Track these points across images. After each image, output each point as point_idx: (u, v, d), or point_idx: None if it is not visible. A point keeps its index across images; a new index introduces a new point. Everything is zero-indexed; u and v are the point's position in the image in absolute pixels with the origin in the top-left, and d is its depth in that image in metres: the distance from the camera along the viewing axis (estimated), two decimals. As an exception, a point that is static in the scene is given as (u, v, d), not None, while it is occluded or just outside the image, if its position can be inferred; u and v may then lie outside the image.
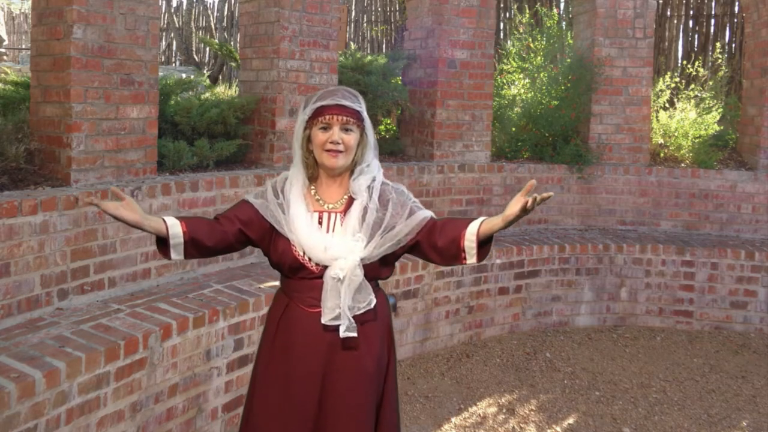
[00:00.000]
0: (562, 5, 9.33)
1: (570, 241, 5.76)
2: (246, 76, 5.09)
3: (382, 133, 6.33)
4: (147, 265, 3.92)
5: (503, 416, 4.17)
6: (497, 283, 5.39)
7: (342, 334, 2.32)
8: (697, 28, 8.92)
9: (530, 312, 5.60)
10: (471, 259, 2.36)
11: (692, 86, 6.93)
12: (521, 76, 6.82)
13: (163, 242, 2.35)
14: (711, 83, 6.98)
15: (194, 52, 10.41)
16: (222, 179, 4.32)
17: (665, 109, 6.76)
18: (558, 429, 4.03)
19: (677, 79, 7.04)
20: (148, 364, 3.25)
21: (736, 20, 8.61)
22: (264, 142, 4.92)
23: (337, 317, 2.33)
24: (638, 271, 5.75)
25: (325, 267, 2.35)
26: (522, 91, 6.71)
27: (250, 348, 3.83)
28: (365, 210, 2.39)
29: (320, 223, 2.40)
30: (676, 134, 6.49)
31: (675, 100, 7.00)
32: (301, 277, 2.40)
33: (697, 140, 6.42)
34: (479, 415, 4.17)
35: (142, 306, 3.56)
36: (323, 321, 2.34)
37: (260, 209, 2.41)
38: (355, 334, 2.33)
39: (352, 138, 2.38)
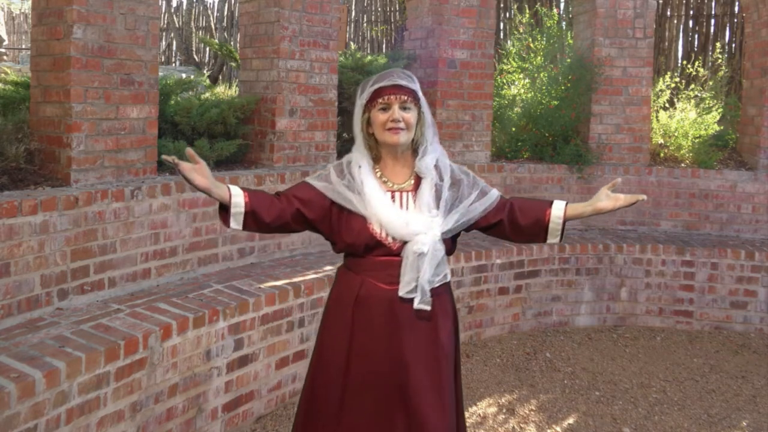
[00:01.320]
0: (562, 5, 9.34)
1: (570, 241, 5.76)
2: (246, 76, 5.09)
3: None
4: (147, 265, 3.92)
5: (503, 416, 4.17)
6: (497, 283, 5.39)
7: (416, 305, 2.41)
8: (697, 28, 8.93)
9: (530, 312, 5.60)
10: (554, 239, 2.56)
11: (692, 86, 6.93)
12: (521, 76, 6.82)
13: (224, 209, 2.44)
14: (711, 83, 6.98)
15: (194, 52, 10.41)
16: (222, 179, 4.32)
17: (665, 109, 6.76)
18: (558, 429, 4.03)
19: (677, 79, 7.04)
20: (148, 364, 3.25)
21: (736, 20, 8.61)
22: (264, 142, 4.92)
23: (413, 290, 2.40)
24: (638, 271, 5.75)
25: (404, 243, 2.41)
26: (522, 91, 6.71)
27: (250, 348, 3.83)
28: (436, 188, 2.48)
29: (393, 202, 2.46)
30: (676, 134, 6.49)
31: (675, 100, 7.00)
32: (376, 255, 2.44)
33: (697, 140, 6.42)
34: (479, 415, 4.17)
35: (142, 306, 3.56)
36: (400, 293, 2.40)
37: (325, 191, 2.47)
38: (428, 307, 2.42)
39: (411, 116, 2.45)
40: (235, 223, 2.45)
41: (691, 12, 8.94)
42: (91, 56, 3.76)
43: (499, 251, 5.35)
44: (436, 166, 2.52)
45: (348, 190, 2.45)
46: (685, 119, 6.50)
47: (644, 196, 2.49)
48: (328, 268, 4.47)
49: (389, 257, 2.43)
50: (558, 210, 2.54)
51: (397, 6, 10.21)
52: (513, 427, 4.03)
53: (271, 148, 4.86)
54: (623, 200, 2.48)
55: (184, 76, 6.06)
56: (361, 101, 2.49)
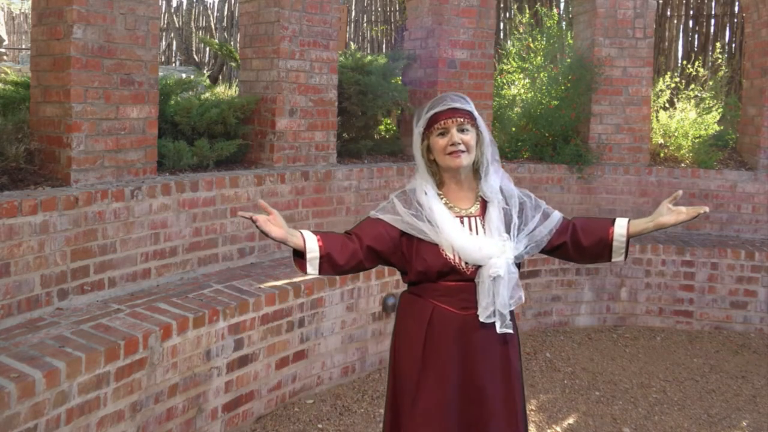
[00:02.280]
0: (562, 5, 9.33)
1: (570, 241, 5.75)
2: (246, 76, 5.09)
3: (382, 133, 6.33)
4: (147, 265, 3.92)
5: (503, 416, 4.17)
6: (497, 283, 5.38)
7: (499, 330, 2.42)
8: (697, 28, 8.93)
9: (530, 312, 5.60)
10: (618, 257, 2.54)
11: (692, 86, 6.93)
12: (521, 76, 6.82)
13: (299, 255, 2.40)
14: (711, 83, 6.98)
15: (194, 52, 10.41)
16: (222, 179, 4.32)
17: (665, 109, 6.76)
18: (558, 429, 4.03)
19: (677, 79, 7.04)
20: (148, 364, 3.25)
21: (736, 20, 8.61)
22: (264, 142, 4.92)
23: (491, 315, 2.41)
24: (638, 271, 5.75)
25: (477, 268, 2.41)
26: (522, 91, 6.71)
27: (250, 348, 3.83)
28: (504, 211, 2.48)
29: (462, 226, 2.46)
30: (676, 134, 6.49)
31: (675, 100, 7.00)
32: (449, 281, 2.44)
33: (697, 140, 6.42)
34: (479, 415, 4.17)
35: (142, 306, 3.56)
36: (481, 319, 2.41)
37: (395, 224, 2.45)
38: (511, 330, 2.45)
39: (470, 137, 2.45)
40: (311, 269, 2.41)
41: (691, 12, 8.94)
42: (91, 56, 3.75)
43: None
44: (501, 189, 2.51)
45: (417, 219, 2.43)
46: (685, 119, 6.50)
47: (707, 208, 2.46)
48: (328, 268, 4.47)
49: (464, 282, 2.43)
50: (621, 228, 2.52)
51: (397, 6, 10.21)
52: (513, 427, 4.03)
53: (271, 148, 4.86)
54: (685, 213, 2.46)
55: (184, 76, 6.06)
56: (418, 129, 2.49)
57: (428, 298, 2.47)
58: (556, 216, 2.56)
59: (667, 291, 5.76)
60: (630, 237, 2.52)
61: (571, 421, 4.12)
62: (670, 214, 2.48)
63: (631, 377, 4.76)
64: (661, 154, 6.55)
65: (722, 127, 6.78)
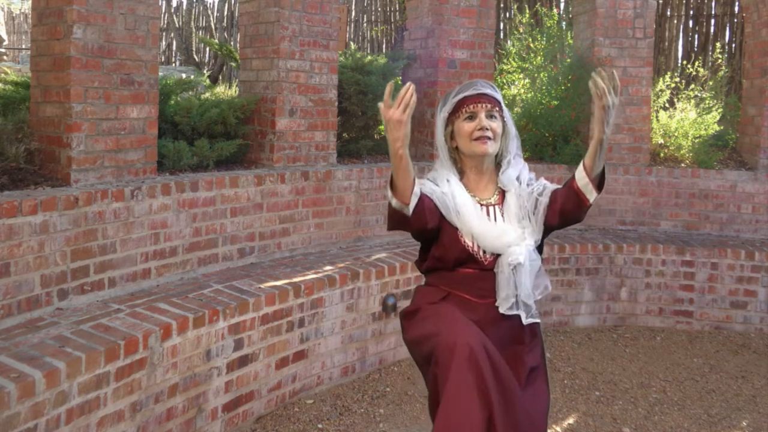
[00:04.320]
0: (562, 5, 9.33)
1: (570, 241, 5.76)
2: (246, 76, 5.09)
3: (383, 133, 6.33)
4: (147, 265, 3.92)
5: (503, 416, 4.17)
6: (497, 283, 5.38)
7: (525, 321, 2.33)
8: (697, 28, 8.93)
9: (530, 312, 5.59)
10: (591, 195, 2.33)
11: (692, 86, 6.93)
12: (521, 76, 6.82)
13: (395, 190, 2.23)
14: (711, 83, 6.98)
15: (194, 52, 10.41)
16: (222, 179, 4.32)
17: (665, 109, 6.76)
18: (558, 429, 4.03)
19: (677, 79, 7.04)
20: (148, 364, 3.25)
21: (736, 20, 8.61)
22: (264, 142, 4.92)
23: (513, 306, 2.32)
24: (638, 271, 5.75)
25: (496, 258, 2.34)
26: (522, 91, 6.71)
27: (250, 348, 3.83)
28: (521, 198, 2.42)
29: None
30: (676, 134, 6.49)
31: (675, 100, 7.00)
32: (466, 269, 2.38)
33: (697, 140, 6.42)
34: (479, 415, 4.16)
35: (142, 306, 3.56)
36: (501, 311, 2.32)
37: (437, 199, 2.34)
38: (538, 320, 2.36)
39: (497, 125, 2.40)
40: (412, 205, 2.24)
41: (691, 12, 8.94)
42: (91, 56, 3.75)
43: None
44: (518, 178, 2.46)
45: (446, 198, 2.37)
46: (685, 119, 6.50)
47: (616, 79, 2.21)
48: (328, 267, 4.47)
49: (482, 271, 2.36)
50: (579, 169, 2.33)
51: (397, 6, 10.21)
52: (513, 427, 4.03)
53: (271, 148, 4.86)
54: (599, 95, 2.18)
55: (184, 76, 6.06)
56: (443, 114, 2.44)
57: (444, 287, 2.41)
58: (550, 187, 2.44)
59: (667, 291, 5.76)
60: (590, 170, 2.31)
61: (571, 421, 4.12)
62: (596, 123, 2.25)
63: (631, 377, 4.76)
64: (661, 154, 6.55)
65: (722, 127, 6.78)
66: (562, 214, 2.40)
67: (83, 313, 3.42)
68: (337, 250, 4.98)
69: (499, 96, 2.43)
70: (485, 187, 2.46)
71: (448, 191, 2.37)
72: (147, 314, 3.45)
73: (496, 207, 2.42)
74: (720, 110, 6.68)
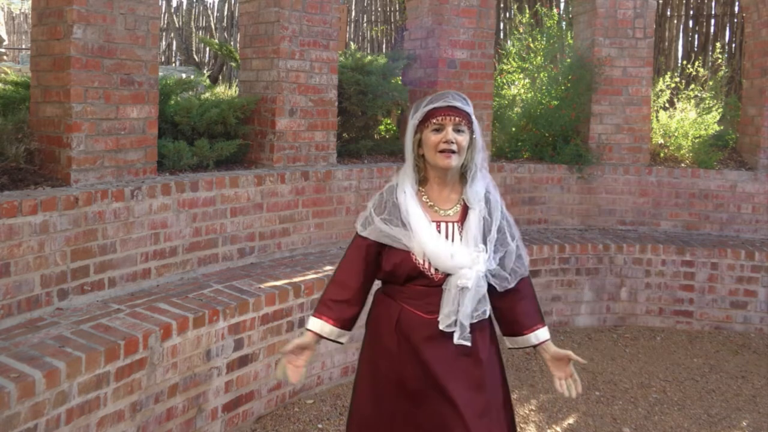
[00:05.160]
0: (562, 5, 9.33)
1: (570, 241, 5.76)
2: (246, 76, 5.09)
3: (382, 133, 6.33)
4: (147, 265, 3.92)
5: (503, 416, 4.17)
6: (497, 283, 5.38)
7: (456, 341, 2.36)
8: (697, 28, 8.93)
9: (530, 312, 5.59)
10: (509, 345, 2.60)
11: (692, 86, 6.93)
12: (521, 76, 6.82)
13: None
14: (711, 83, 6.98)
15: (194, 52, 10.41)
16: (222, 179, 4.32)
17: (665, 109, 6.76)
18: (558, 429, 4.03)
19: (677, 79, 7.04)
20: (148, 364, 3.25)
21: (736, 20, 8.61)
22: (264, 142, 4.92)
23: (452, 324, 2.36)
24: (638, 271, 5.75)
25: (446, 275, 2.36)
26: (522, 91, 6.71)
27: (250, 348, 3.83)
28: (484, 222, 2.43)
29: (438, 232, 2.40)
30: (676, 134, 6.49)
31: (675, 100, 7.00)
32: (416, 285, 2.41)
33: (697, 140, 6.42)
34: (479, 415, 4.16)
35: (142, 306, 3.56)
36: (441, 327, 2.36)
37: (374, 237, 2.45)
38: (468, 343, 2.37)
39: (463, 139, 2.41)
40: (344, 338, 2.60)
41: (691, 12, 8.94)
42: (91, 56, 3.75)
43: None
44: (486, 198, 2.47)
45: (389, 224, 2.40)
46: (685, 119, 6.50)
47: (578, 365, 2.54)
48: (328, 268, 4.47)
49: (431, 287, 2.39)
50: (535, 339, 2.52)
51: (397, 6, 10.21)
52: (513, 427, 4.03)
53: (271, 148, 4.86)
54: (562, 374, 2.53)
55: (184, 76, 6.06)
56: (413, 121, 2.45)
57: (396, 300, 2.46)
58: (525, 270, 2.52)
59: (667, 291, 5.77)
60: (529, 347, 2.56)
61: (571, 421, 4.12)
62: (561, 370, 2.52)
63: (631, 377, 4.76)
64: (661, 154, 6.55)
65: (722, 127, 6.79)
66: (495, 309, 2.52)
67: (83, 313, 3.42)
68: (337, 250, 4.98)
69: (469, 109, 2.44)
70: (447, 197, 2.46)
71: (403, 207, 2.41)
72: (147, 314, 3.45)
73: (455, 224, 2.42)
74: (720, 110, 6.68)
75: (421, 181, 2.48)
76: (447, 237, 2.40)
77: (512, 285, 2.46)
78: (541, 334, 2.52)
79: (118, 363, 3.09)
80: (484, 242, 2.40)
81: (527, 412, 4.21)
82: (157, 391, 3.32)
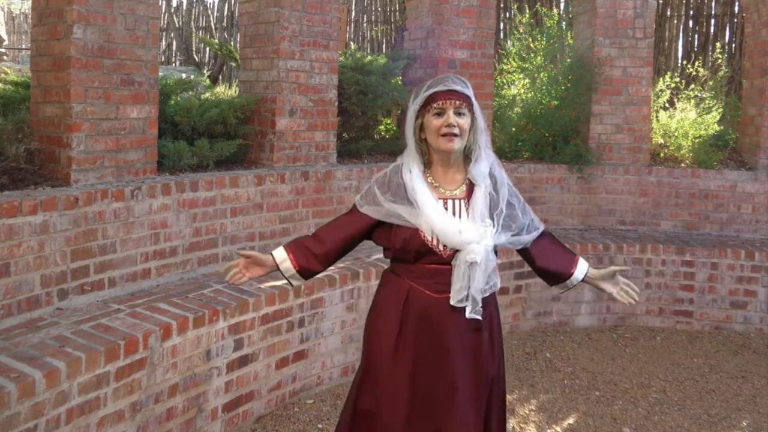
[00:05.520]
0: (562, 5, 9.33)
1: (570, 241, 5.76)
2: (246, 76, 5.09)
3: (382, 133, 6.33)
4: (147, 265, 3.92)
5: (503, 416, 4.17)
6: (497, 283, 5.38)
7: (468, 315, 2.42)
8: (697, 28, 8.93)
9: (530, 312, 5.60)
10: (560, 291, 2.76)
11: (692, 86, 6.93)
12: (521, 76, 6.82)
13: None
14: (711, 83, 6.98)
15: (194, 52, 10.41)
16: (222, 179, 4.32)
17: (665, 109, 6.76)
18: (558, 429, 4.03)
19: (677, 79, 7.04)
20: (148, 364, 3.25)
21: (736, 20, 8.61)
22: (264, 142, 4.92)
23: (463, 299, 2.41)
24: (638, 271, 5.75)
25: (455, 252, 2.41)
26: (522, 91, 6.71)
27: (250, 348, 3.83)
28: (490, 197, 2.48)
29: (445, 209, 2.45)
30: (676, 134, 6.49)
31: (675, 100, 7.00)
32: (426, 263, 2.44)
33: (697, 140, 6.42)
34: (479, 415, 4.16)
35: (142, 306, 3.56)
36: (452, 302, 2.41)
37: (374, 215, 2.50)
38: (479, 317, 2.43)
39: (465, 121, 2.44)
40: (296, 281, 2.63)
41: (691, 12, 8.94)
42: (91, 56, 3.75)
43: (500, 251, 5.34)
44: (491, 174, 2.51)
45: (394, 203, 2.44)
46: (685, 119, 6.50)
47: (634, 297, 2.63)
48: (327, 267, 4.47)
49: (439, 265, 2.43)
50: (580, 273, 2.65)
51: (397, 6, 10.21)
52: (513, 427, 4.03)
53: (271, 148, 4.86)
54: (618, 293, 2.66)
55: (184, 76, 6.06)
56: (414, 106, 2.48)
57: (406, 279, 2.49)
58: (540, 230, 2.63)
59: (667, 291, 5.77)
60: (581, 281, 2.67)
61: (571, 421, 4.12)
62: (614, 284, 2.65)
63: (631, 377, 4.76)
64: (661, 154, 6.55)
65: (722, 127, 6.78)
66: (536, 269, 2.71)
67: (83, 313, 3.42)
68: (337, 250, 4.97)
69: (469, 92, 2.47)
70: (452, 177, 2.50)
71: (409, 185, 2.45)
72: (147, 314, 3.45)
73: (462, 201, 2.47)
74: (720, 110, 6.68)
75: (426, 165, 2.52)
76: (454, 214, 2.44)
77: (530, 241, 2.61)
78: (580, 269, 2.65)
79: (118, 363, 3.09)
80: (491, 217, 2.45)
81: (527, 412, 4.22)
82: (157, 391, 3.33)
